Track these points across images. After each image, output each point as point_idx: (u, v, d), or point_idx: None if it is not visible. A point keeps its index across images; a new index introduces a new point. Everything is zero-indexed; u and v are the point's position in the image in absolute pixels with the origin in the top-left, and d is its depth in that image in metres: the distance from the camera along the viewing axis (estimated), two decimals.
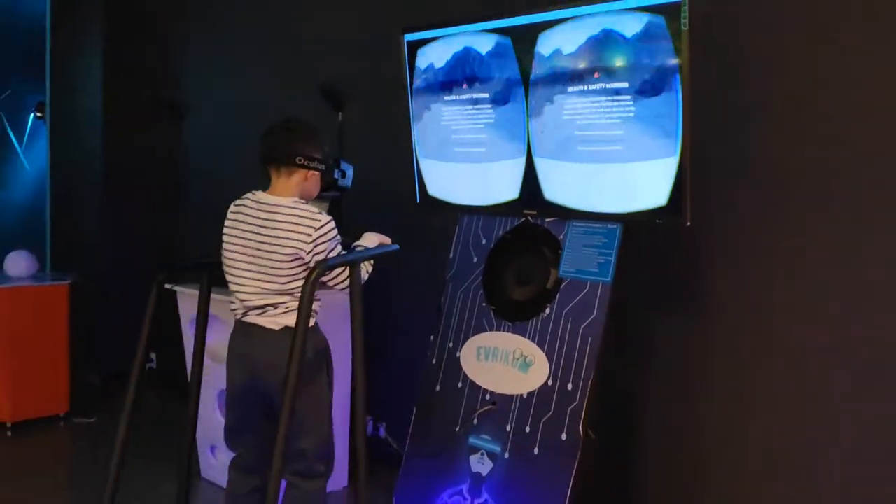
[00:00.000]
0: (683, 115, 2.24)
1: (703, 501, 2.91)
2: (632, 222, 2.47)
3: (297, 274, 2.28)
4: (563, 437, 2.42)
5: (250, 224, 2.34)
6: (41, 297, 4.64)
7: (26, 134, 6.45)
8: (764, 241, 2.64)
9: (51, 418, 4.73)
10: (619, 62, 2.36)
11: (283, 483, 2.39)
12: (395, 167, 3.68)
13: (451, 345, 2.81)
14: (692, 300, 2.90)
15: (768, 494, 2.76)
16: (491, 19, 2.68)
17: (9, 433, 4.54)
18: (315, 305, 2.36)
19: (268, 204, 2.34)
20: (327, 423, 2.45)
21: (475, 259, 2.85)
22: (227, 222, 2.42)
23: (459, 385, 2.73)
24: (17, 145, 6.54)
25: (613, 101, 2.37)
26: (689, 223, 2.32)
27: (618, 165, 2.42)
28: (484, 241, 2.84)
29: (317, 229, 2.27)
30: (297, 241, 2.27)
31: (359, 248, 2.47)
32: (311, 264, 2.26)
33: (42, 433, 4.60)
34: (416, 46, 2.92)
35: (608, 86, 2.38)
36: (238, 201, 2.43)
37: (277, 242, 2.28)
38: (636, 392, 3.08)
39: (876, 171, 2.38)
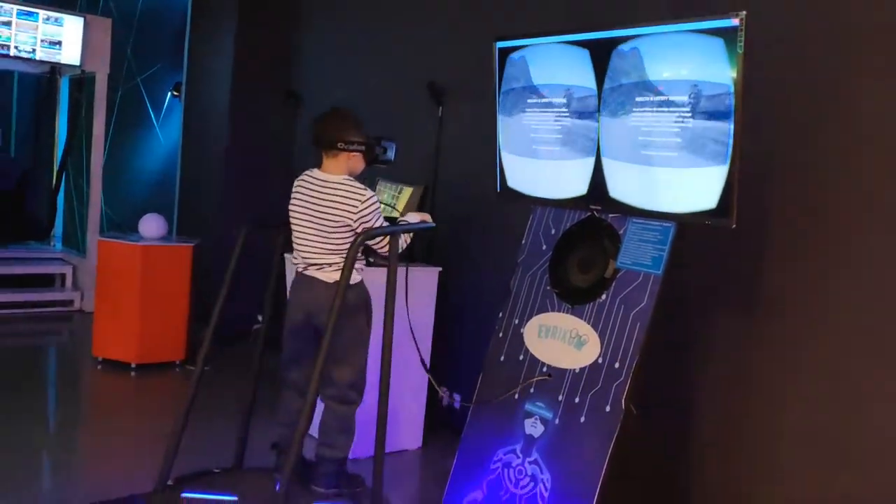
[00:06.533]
0: (735, 128, 2.49)
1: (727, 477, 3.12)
2: (684, 222, 2.72)
3: (346, 238, 2.78)
4: (608, 408, 2.71)
5: (310, 196, 2.85)
6: (169, 256, 5.20)
7: (163, 110, 7.13)
8: (808, 244, 2.85)
9: (168, 364, 5.33)
10: (680, 78, 2.61)
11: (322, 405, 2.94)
12: (482, 160, 4.02)
13: (516, 321, 3.14)
14: (746, 298, 3.12)
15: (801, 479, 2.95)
16: (573, 33, 2.97)
17: (133, 373, 5.17)
18: (359, 265, 2.87)
19: (323, 180, 2.85)
20: (362, 360, 2.92)
21: (544, 246, 3.15)
22: (292, 194, 2.95)
23: (521, 357, 3.06)
24: (154, 119, 7.25)
25: (674, 113, 2.63)
26: (734, 226, 2.56)
27: (675, 170, 2.68)
28: (553, 231, 3.15)
29: (362, 202, 2.77)
30: (346, 211, 2.76)
31: (401, 222, 2.96)
32: (358, 230, 2.75)
33: (160, 376, 5.20)
34: (506, 53, 3.24)
35: (670, 99, 2.64)
36: (300, 177, 2.94)
37: (332, 211, 2.79)
38: (691, 381, 3.32)
39: None
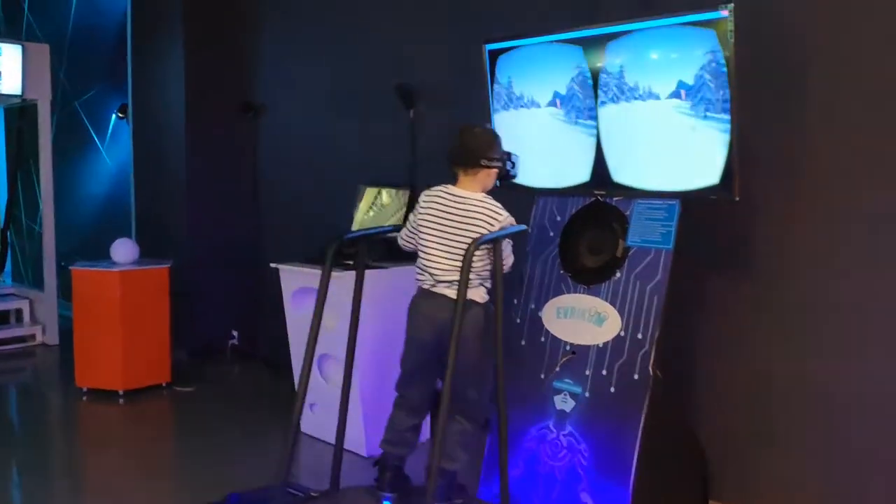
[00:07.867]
0: (732, 109, 2.74)
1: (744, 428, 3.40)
2: (689, 199, 2.97)
3: (480, 256, 2.83)
4: (636, 376, 2.93)
5: (444, 211, 2.90)
6: (147, 280, 5.15)
7: (108, 133, 6.99)
8: (802, 212, 3.14)
9: (155, 387, 5.28)
10: (675, 67, 2.85)
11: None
12: None
13: (532, 306, 3.32)
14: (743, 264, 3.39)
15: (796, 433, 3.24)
16: (564, 31, 3.18)
17: (121, 400, 5.11)
18: (488, 283, 2.94)
19: (461, 197, 2.91)
20: (490, 378, 2.97)
21: (551, 233, 3.35)
22: (421, 208, 2.98)
23: (542, 339, 3.25)
24: (98, 143, 7.10)
25: (671, 99, 2.87)
26: (737, 198, 2.82)
27: (677, 152, 2.92)
28: (559, 218, 3.35)
29: (500, 221, 2.86)
30: (485, 228, 2.83)
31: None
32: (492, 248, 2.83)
33: (149, 400, 5.15)
34: (496, 54, 3.42)
35: (667, 86, 2.88)
36: (430, 191, 2.98)
37: (469, 229, 2.85)
38: (699, 342, 3.56)
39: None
